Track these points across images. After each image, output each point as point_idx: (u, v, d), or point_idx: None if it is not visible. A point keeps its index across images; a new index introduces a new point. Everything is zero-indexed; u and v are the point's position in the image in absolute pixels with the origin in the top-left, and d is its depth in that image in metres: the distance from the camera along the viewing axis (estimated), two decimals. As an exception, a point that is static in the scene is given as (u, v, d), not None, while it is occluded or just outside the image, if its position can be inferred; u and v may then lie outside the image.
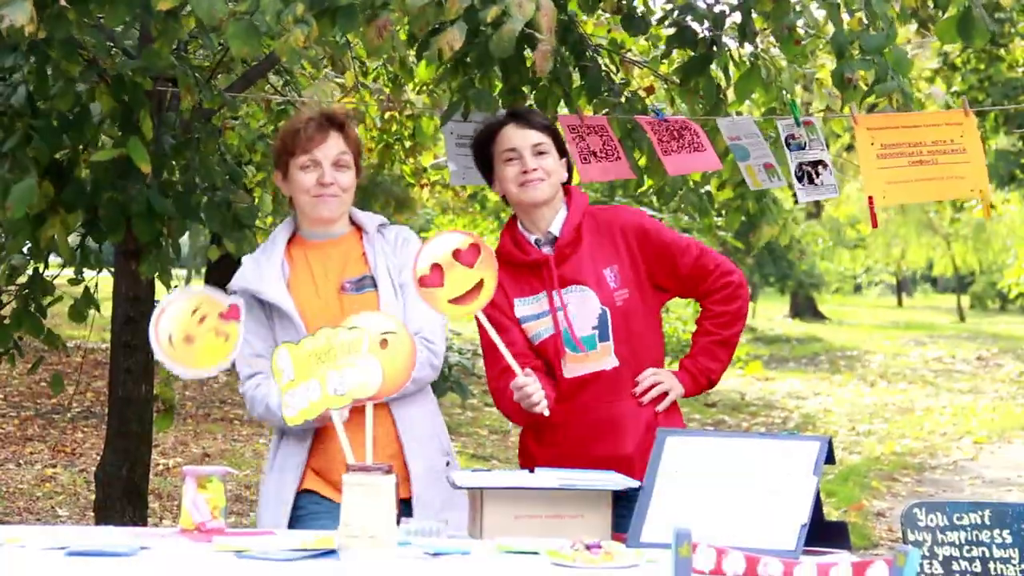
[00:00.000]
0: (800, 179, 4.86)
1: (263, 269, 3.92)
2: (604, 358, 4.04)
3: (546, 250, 4.06)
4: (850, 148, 16.00)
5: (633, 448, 4.01)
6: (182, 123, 5.38)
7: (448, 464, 3.95)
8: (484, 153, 4.12)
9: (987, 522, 3.73)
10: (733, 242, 13.68)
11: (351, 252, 3.96)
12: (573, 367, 4.05)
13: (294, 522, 3.84)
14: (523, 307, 4.07)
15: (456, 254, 3.66)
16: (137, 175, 5.02)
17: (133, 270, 5.50)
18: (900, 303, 47.32)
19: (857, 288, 50.81)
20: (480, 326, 3.83)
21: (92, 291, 5.80)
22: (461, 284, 3.66)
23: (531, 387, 3.84)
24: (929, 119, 4.55)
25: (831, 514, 9.29)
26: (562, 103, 5.30)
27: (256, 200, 6.97)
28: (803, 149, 4.85)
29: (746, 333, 27.80)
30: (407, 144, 8.03)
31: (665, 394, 4.07)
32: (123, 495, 5.71)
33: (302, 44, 3.88)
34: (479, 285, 3.65)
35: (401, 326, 3.54)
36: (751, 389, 18.33)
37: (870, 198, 4.63)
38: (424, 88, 7.07)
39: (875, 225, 4.77)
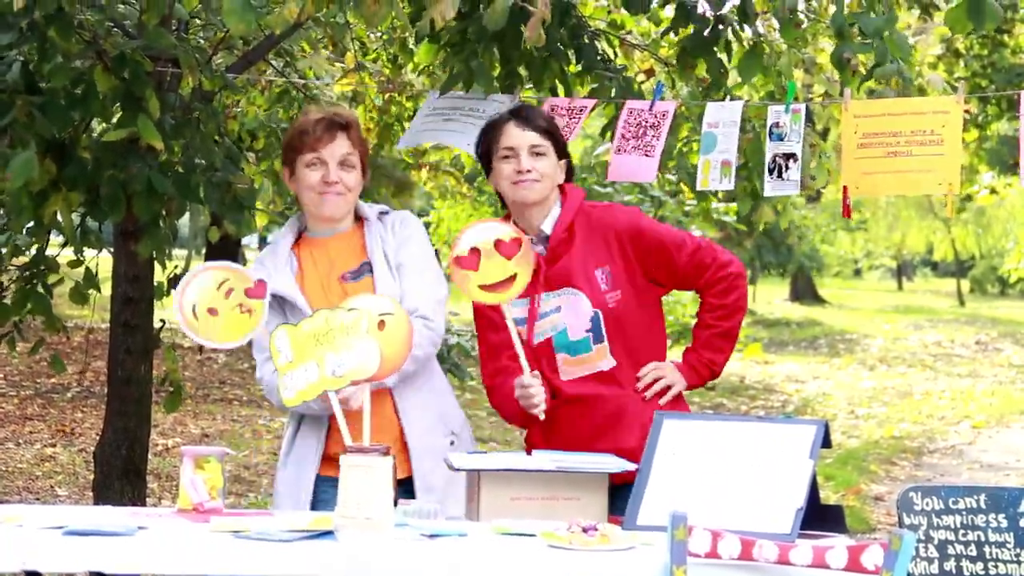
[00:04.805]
0: (772, 172, 4.83)
1: (269, 267, 3.97)
2: (600, 360, 4.03)
3: (538, 249, 4.03)
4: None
5: (636, 442, 3.92)
6: (181, 103, 5.37)
7: (452, 444, 3.96)
8: (486, 147, 4.13)
9: (983, 506, 3.74)
10: (736, 225, 13.62)
11: (353, 245, 4.00)
12: (569, 369, 4.04)
13: (315, 508, 3.85)
14: (515, 309, 4.02)
15: (498, 244, 3.80)
16: (138, 154, 5.02)
17: (132, 250, 5.50)
18: (900, 287, 47.32)
19: (857, 272, 50.79)
20: (496, 319, 3.96)
21: (93, 272, 5.80)
22: (495, 273, 3.79)
23: (535, 388, 3.92)
24: (917, 106, 4.54)
25: (829, 498, 9.29)
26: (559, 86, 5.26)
27: (257, 185, 6.96)
28: (782, 140, 4.83)
29: (746, 316, 27.94)
30: (406, 125, 7.99)
31: (668, 388, 4.06)
32: (122, 475, 5.72)
33: (295, 17, 3.86)
34: (511, 279, 3.79)
35: (399, 308, 3.55)
36: (750, 372, 18.33)
37: (844, 188, 4.63)
38: (424, 69, 7.05)
39: (846, 215, 4.76)
